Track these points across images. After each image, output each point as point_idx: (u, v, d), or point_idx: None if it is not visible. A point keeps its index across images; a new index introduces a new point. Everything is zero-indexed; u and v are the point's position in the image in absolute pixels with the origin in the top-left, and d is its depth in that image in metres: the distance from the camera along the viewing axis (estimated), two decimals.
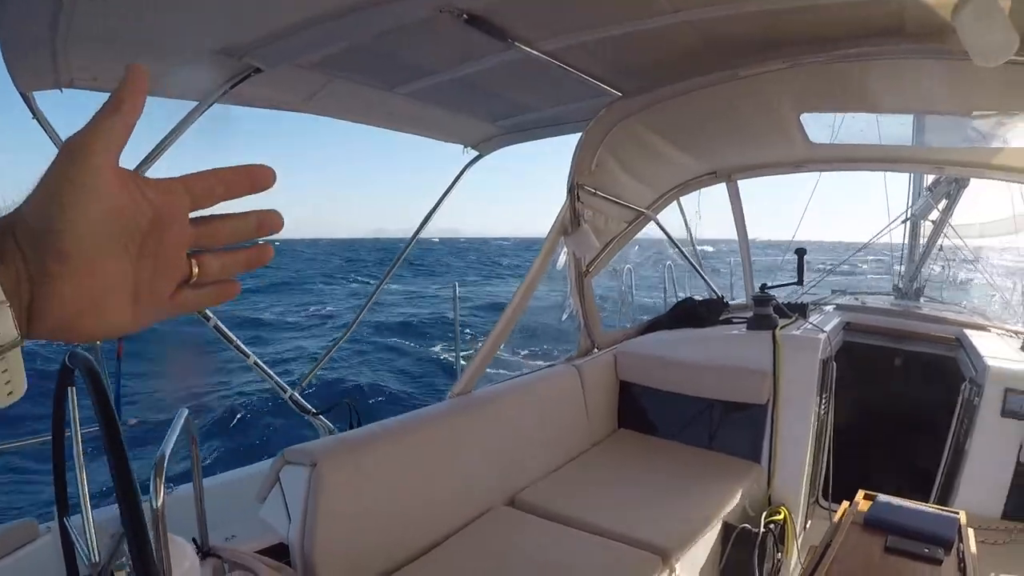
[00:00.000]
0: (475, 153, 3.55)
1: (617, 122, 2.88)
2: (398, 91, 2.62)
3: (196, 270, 0.48)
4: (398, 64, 2.36)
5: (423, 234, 3.64)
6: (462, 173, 3.55)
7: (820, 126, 3.34)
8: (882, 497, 2.23)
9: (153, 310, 0.47)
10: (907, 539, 1.94)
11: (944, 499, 2.98)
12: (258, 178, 0.49)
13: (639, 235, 3.88)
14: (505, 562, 2.16)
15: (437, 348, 14.38)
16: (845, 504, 2.24)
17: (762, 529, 2.65)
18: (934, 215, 6.42)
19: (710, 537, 2.59)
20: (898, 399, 3.86)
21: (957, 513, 2.15)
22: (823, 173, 5.37)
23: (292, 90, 2.50)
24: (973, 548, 1.97)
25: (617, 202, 3.42)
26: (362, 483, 2.02)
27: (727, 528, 2.67)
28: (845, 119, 3.33)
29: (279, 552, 1.96)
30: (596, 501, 2.58)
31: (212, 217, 0.49)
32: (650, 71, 2.58)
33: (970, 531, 2.06)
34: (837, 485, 3.31)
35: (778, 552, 2.80)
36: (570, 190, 3.04)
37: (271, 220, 0.51)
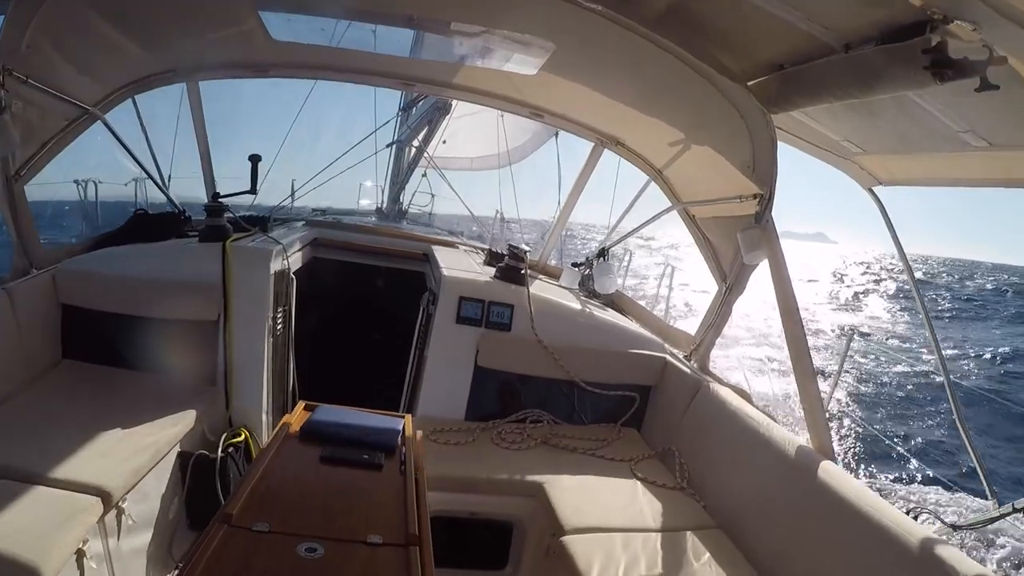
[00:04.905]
0: None
1: None
2: None
3: None
4: None
5: None
6: None
7: (312, 28, 3.10)
8: (323, 407, 2.09)
9: None
10: (345, 447, 1.83)
11: (411, 406, 3.12)
12: None
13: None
14: None
15: None
16: (286, 418, 2.06)
17: (220, 454, 2.66)
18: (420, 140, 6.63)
19: (164, 469, 2.49)
20: (375, 314, 4.09)
21: (403, 416, 2.11)
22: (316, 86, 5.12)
23: None
24: (419, 449, 1.93)
25: (56, 95, 2.81)
26: None
27: (183, 457, 2.60)
28: (352, 25, 3.13)
29: None
30: (30, 445, 2.17)
31: None
32: None
33: (418, 432, 2.02)
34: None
35: (242, 475, 2.75)
36: None
37: None
